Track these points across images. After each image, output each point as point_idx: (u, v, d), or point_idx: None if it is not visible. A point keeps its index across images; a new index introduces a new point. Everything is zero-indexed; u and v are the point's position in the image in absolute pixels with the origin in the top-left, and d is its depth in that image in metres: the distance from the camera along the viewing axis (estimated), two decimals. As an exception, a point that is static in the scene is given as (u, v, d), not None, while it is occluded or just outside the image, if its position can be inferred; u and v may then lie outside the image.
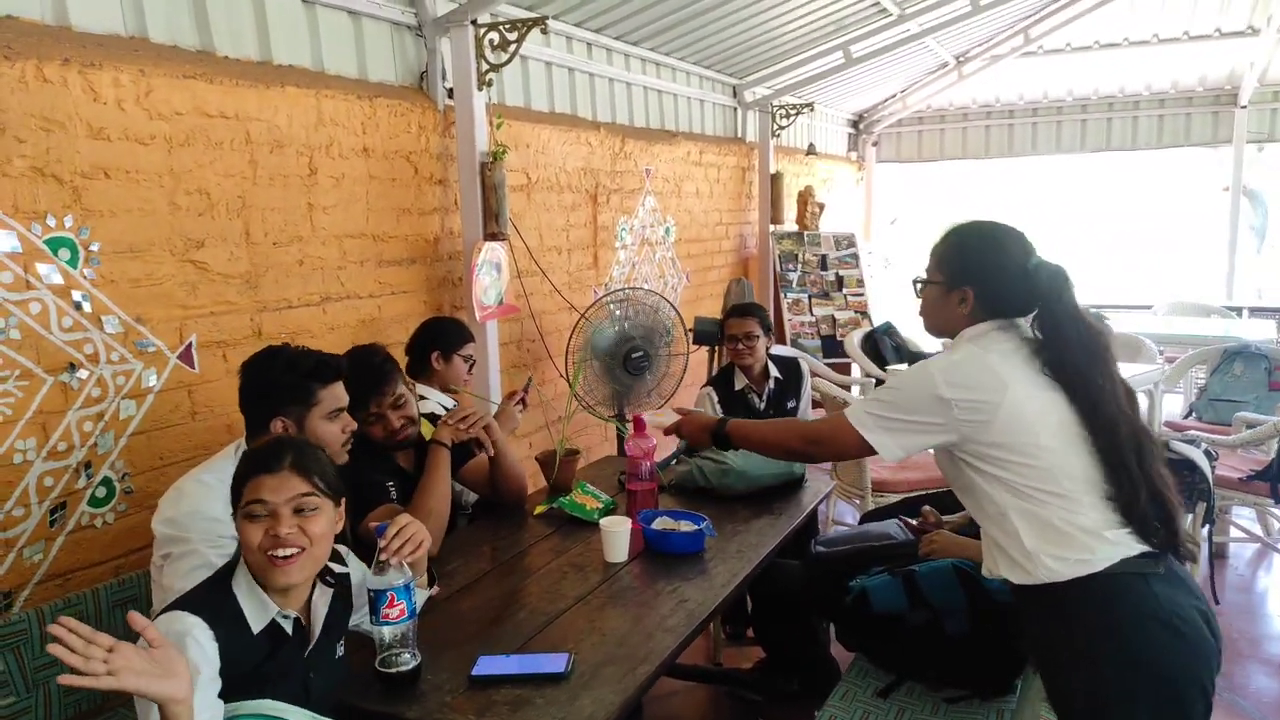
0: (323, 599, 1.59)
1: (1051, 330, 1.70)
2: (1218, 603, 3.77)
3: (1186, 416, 5.19)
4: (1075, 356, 1.67)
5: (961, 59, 7.78)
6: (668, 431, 2.27)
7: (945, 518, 2.45)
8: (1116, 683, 1.59)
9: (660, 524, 2.36)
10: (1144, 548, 1.62)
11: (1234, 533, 4.18)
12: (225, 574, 1.52)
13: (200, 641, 1.40)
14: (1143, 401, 4.92)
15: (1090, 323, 1.70)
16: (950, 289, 1.79)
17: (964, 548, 2.17)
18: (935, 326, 1.86)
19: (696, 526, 2.32)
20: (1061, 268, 1.73)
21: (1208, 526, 3.41)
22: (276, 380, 2.00)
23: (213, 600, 1.46)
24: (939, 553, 2.21)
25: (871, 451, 1.75)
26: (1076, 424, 1.66)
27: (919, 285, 1.88)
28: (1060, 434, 1.65)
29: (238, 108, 2.61)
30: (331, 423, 2.02)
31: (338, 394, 2.05)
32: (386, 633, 1.63)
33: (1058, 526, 1.63)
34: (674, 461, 2.88)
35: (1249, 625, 3.69)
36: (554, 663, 1.71)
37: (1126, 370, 4.53)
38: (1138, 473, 1.63)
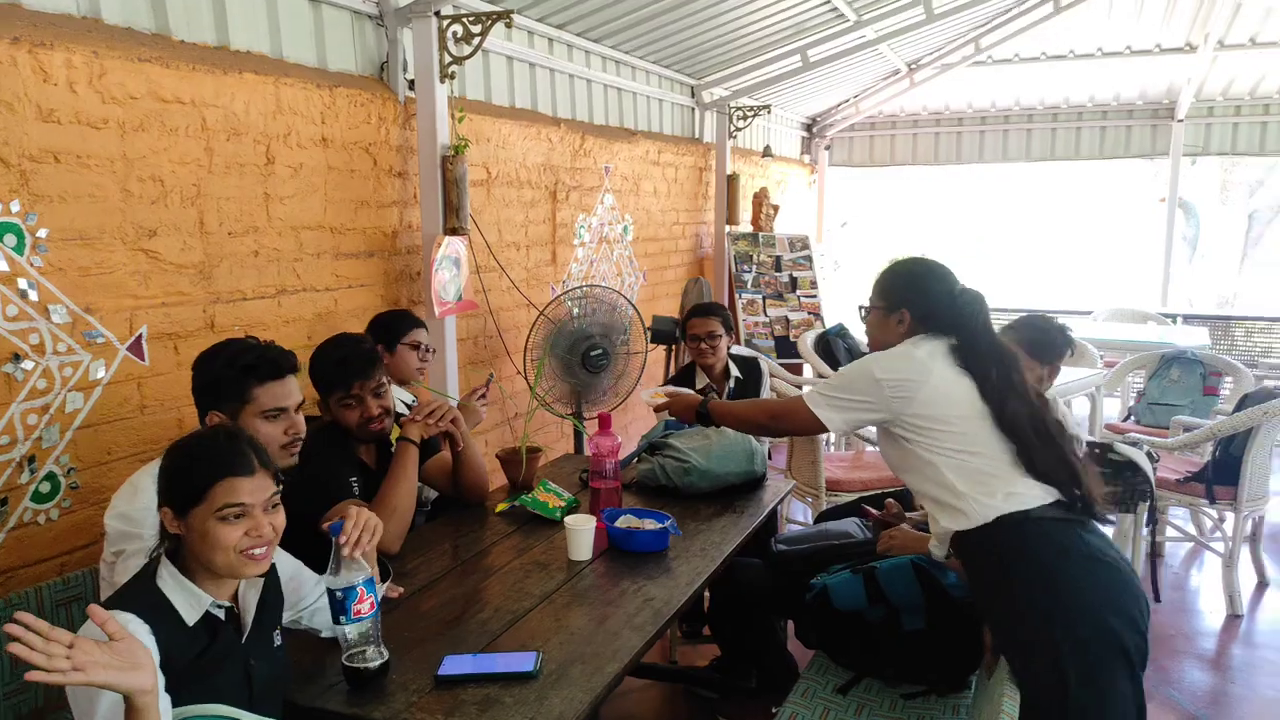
0: (252, 589, 1.57)
1: (969, 339, 2.03)
2: (1158, 600, 3.91)
3: (1126, 420, 5.37)
4: (985, 358, 2.00)
5: (913, 66, 7.92)
6: (658, 409, 2.60)
7: (907, 514, 2.50)
8: (1057, 619, 1.80)
9: (624, 522, 2.36)
10: (1062, 499, 1.91)
11: (1170, 532, 4.33)
12: (148, 572, 1.49)
13: (140, 638, 1.37)
14: (1084, 405, 5.09)
15: (1000, 342, 2.06)
16: (889, 312, 2.13)
17: (922, 542, 2.21)
18: (878, 344, 2.17)
19: (661, 525, 2.33)
20: (979, 294, 2.08)
21: (1150, 526, 3.53)
22: (216, 374, 1.95)
23: (143, 598, 1.44)
24: (898, 549, 2.25)
25: (823, 427, 2.11)
26: (985, 409, 1.96)
27: (864, 311, 2.22)
28: (972, 412, 1.96)
29: (194, 93, 2.54)
30: (269, 423, 1.92)
31: (278, 393, 1.94)
32: (355, 630, 1.61)
33: (985, 470, 1.93)
34: (635, 460, 2.88)
35: (1184, 621, 3.83)
36: (522, 662, 1.70)
37: (1069, 374, 4.68)
38: (1038, 442, 1.93)
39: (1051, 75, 7.94)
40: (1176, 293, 8.76)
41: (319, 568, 1.81)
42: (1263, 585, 4.11)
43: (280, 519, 1.52)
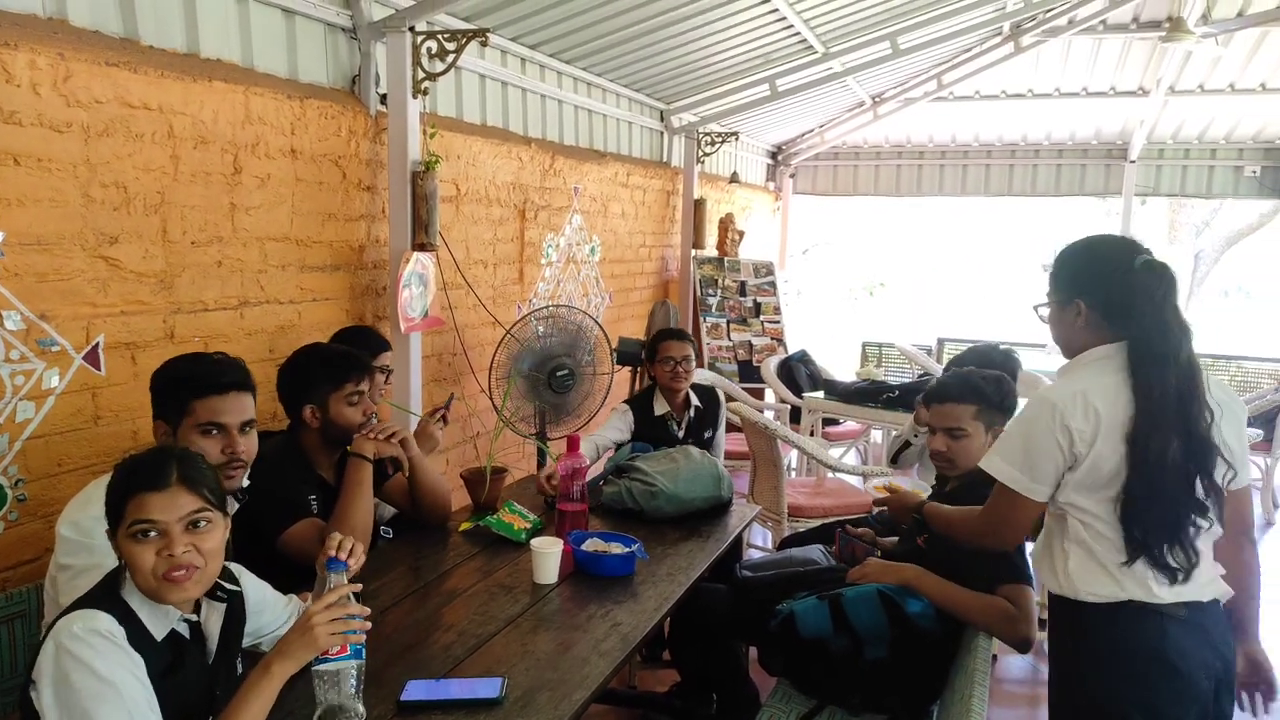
0: (215, 614, 1.51)
1: (1136, 339, 1.71)
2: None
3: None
4: (1153, 376, 1.68)
5: (878, 99, 8.07)
6: (878, 503, 2.50)
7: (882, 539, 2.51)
8: (1103, 700, 1.72)
9: (591, 545, 2.34)
10: (1164, 591, 1.70)
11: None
12: (112, 583, 1.41)
13: (119, 638, 1.33)
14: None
15: (1177, 334, 1.70)
16: (1064, 305, 1.82)
17: (898, 572, 2.22)
18: (1063, 347, 1.89)
19: (628, 549, 2.31)
20: (1163, 264, 1.73)
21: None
22: (161, 385, 1.91)
23: (109, 606, 1.37)
24: (871, 578, 2.25)
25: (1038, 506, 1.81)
26: (1127, 472, 1.70)
27: (1039, 310, 1.92)
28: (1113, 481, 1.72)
29: (161, 100, 2.49)
30: (205, 438, 1.84)
31: (216, 407, 1.86)
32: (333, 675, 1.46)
33: (1098, 560, 1.73)
34: (601, 482, 2.87)
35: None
36: (487, 688, 1.67)
37: (1025, 404, 4.74)
38: (1167, 522, 1.69)
39: (1010, 113, 8.16)
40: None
41: (277, 587, 1.77)
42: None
43: (209, 542, 1.41)
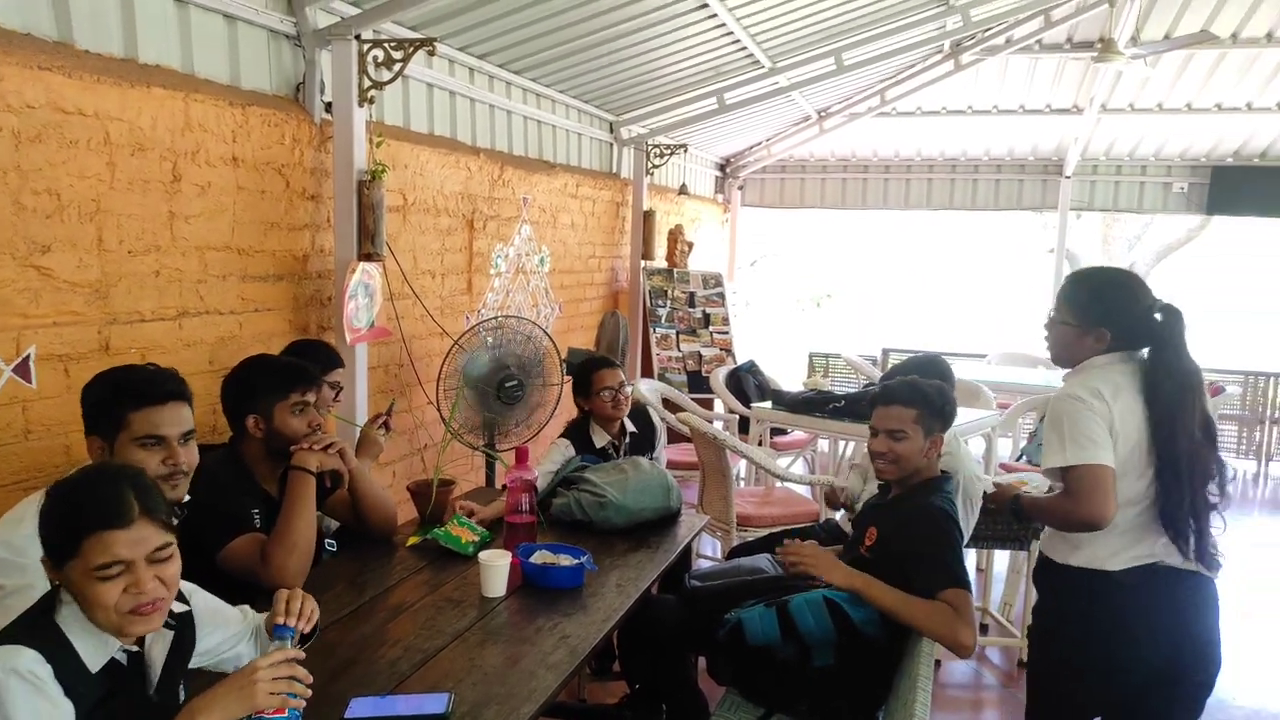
0: (160, 642, 1.45)
1: (1158, 363, 2.01)
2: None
3: (1018, 459, 5.60)
4: (1171, 390, 1.97)
5: (823, 114, 8.21)
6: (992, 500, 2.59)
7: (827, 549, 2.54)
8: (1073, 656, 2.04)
9: (539, 558, 2.33)
10: (1168, 555, 1.99)
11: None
12: (45, 609, 1.34)
13: (43, 681, 1.25)
14: (980, 445, 5.29)
15: (1191, 363, 2.01)
16: (1086, 330, 2.06)
17: (848, 578, 2.23)
18: (1063, 358, 2.14)
19: (576, 560, 2.31)
20: (1178, 309, 2.03)
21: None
22: (95, 398, 1.86)
23: (39, 634, 1.30)
24: (821, 570, 2.25)
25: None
26: (1148, 449, 1.98)
27: (1054, 322, 2.13)
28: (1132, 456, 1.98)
29: (97, 105, 2.43)
30: (144, 451, 1.80)
31: (154, 419, 1.82)
32: None
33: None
34: (551, 495, 2.85)
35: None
36: (434, 703, 1.65)
37: (966, 414, 4.87)
38: (1185, 498, 1.96)
39: (951, 129, 8.36)
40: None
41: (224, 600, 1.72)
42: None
43: (171, 569, 1.37)
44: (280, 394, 2.26)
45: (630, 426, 3.42)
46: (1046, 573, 2.15)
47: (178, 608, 1.51)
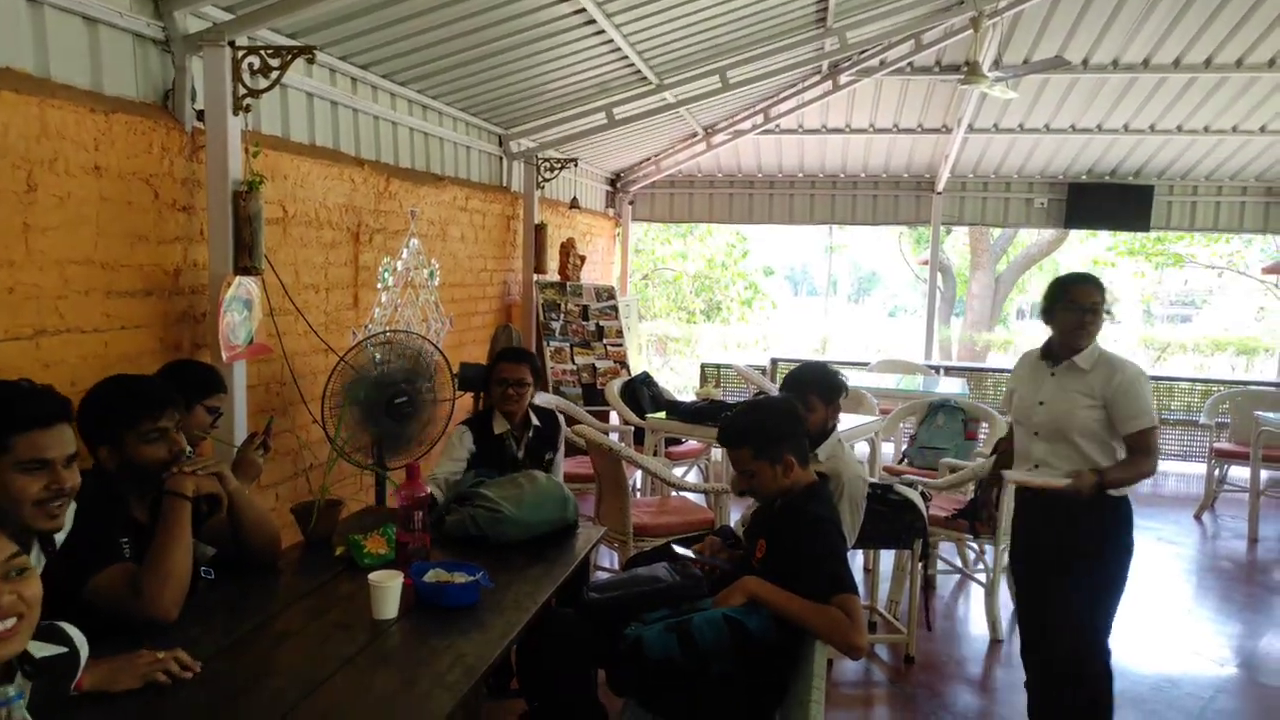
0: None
1: None
2: (930, 629, 4.24)
3: (900, 462, 5.83)
4: None
5: (710, 130, 8.39)
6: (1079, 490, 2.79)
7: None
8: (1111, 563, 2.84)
9: (433, 576, 2.28)
10: None
11: (940, 565, 4.72)
12: None
13: None
14: (864, 448, 5.49)
15: None
16: (1108, 318, 2.91)
17: (741, 586, 2.27)
18: (1095, 338, 2.86)
19: (471, 577, 2.26)
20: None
21: (924, 560, 3.83)
22: None
23: None
24: (734, 603, 2.29)
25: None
26: None
27: (1105, 314, 2.87)
28: None
29: (-61, 109, 2.25)
30: (26, 476, 1.71)
31: (40, 442, 1.73)
32: None
33: None
34: (445, 512, 2.80)
35: (954, 648, 4.17)
36: (323, 732, 1.58)
37: (851, 419, 5.02)
38: None
39: (831, 146, 8.68)
40: (939, 347, 9.71)
41: (89, 637, 1.61)
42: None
43: (31, 588, 1.28)
44: (128, 423, 2.11)
45: (535, 422, 3.45)
46: (1120, 508, 2.83)
47: (39, 653, 1.38)
